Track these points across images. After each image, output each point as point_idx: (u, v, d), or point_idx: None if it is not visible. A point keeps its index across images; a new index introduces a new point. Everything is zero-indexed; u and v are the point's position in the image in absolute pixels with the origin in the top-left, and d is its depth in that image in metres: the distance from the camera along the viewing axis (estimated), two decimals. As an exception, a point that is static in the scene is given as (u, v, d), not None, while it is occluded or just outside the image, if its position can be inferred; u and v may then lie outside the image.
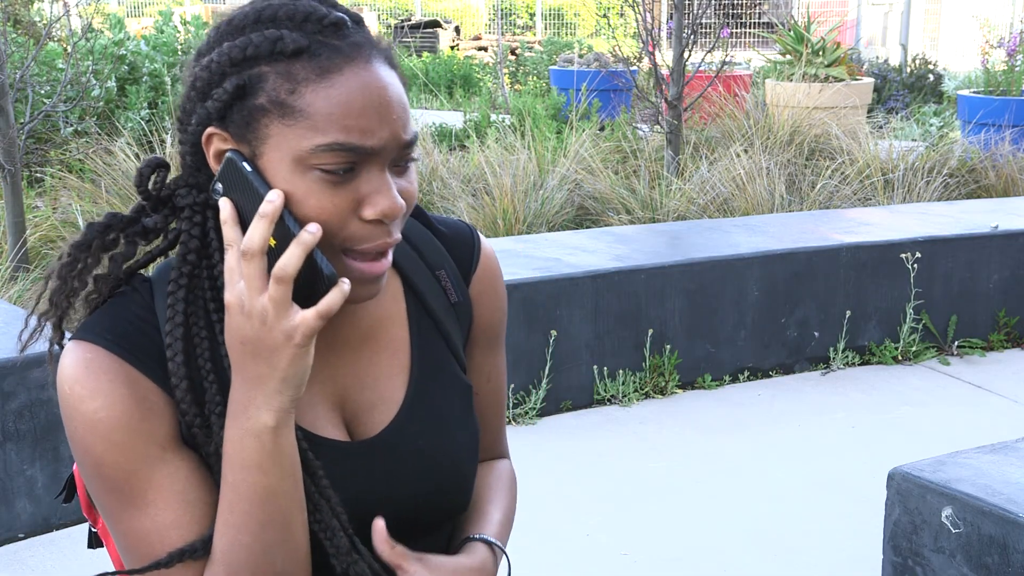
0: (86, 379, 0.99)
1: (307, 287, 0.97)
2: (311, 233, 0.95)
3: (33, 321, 1.05)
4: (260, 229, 0.95)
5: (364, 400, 1.11)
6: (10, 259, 4.51)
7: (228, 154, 0.98)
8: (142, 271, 1.08)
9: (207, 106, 0.98)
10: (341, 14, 1.00)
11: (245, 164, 0.98)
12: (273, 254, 0.96)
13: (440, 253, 1.19)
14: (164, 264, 1.07)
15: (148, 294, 1.05)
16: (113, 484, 1.00)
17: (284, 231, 0.96)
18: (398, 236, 1.02)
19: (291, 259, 0.94)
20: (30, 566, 2.80)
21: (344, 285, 0.96)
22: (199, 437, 1.01)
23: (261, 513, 0.98)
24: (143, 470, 0.99)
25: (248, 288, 0.95)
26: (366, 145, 0.96)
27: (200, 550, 0.99)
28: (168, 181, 1.03)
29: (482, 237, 1.25)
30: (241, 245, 0.95)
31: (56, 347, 1.06)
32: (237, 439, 0.97)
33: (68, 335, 1.05)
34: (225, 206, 0.98)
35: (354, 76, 0.97)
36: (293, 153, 0.96)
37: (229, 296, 0.96)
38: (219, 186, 0.99)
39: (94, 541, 1.22)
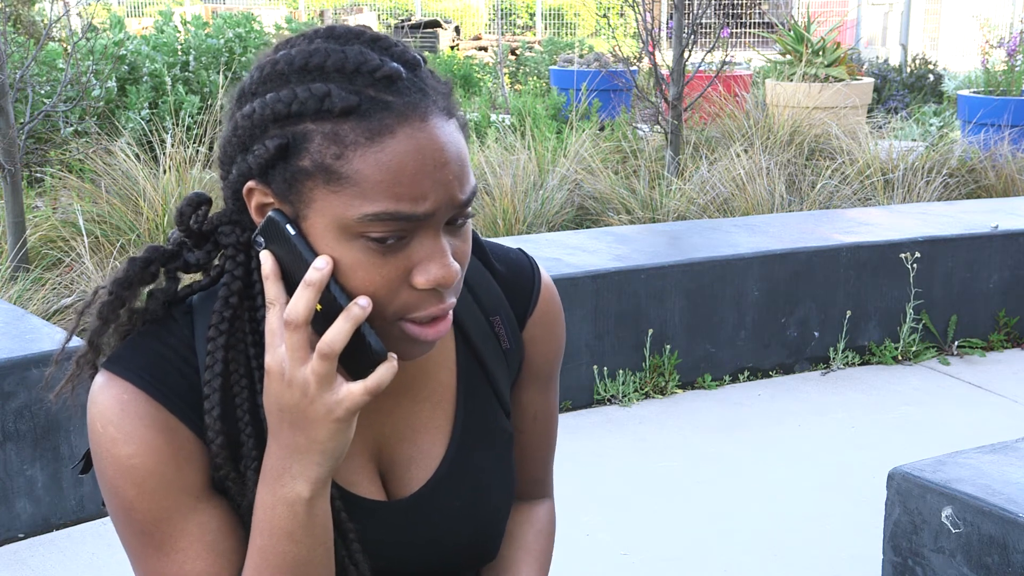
0: (120, 422, 0.94)
1: (354, 356, 0.91)
2: (361, 307, 0.89)
3: (72, 366, 0.99)
4: (305, 298, 0.89)
5: (402, 453, 1.07)
6: (10, 259, 4.50)
7: (271, 213, 0.92)
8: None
9: (248, 160, 0.92)
10: (395, 65, 0.91)
11: (289, 227, 0.91)
12: (319, 319, 0.90)
13: (497, 297, 1.12)
14: (207, 295, 1.01)
15: (189, 328, 0.99)
16: (142, 528, 0.96)
17: (331, 297, 0.90)
18: (453, 301, 0.95)
19: (338, 335, 0.88)
20: (30, 566, 2.80)
21: (393, 360, 0.91)
22: (232, 491, 0.98)
23: None
24: (175, 518, 0.96)
25: (290, 358, 0.89)
26: (418, 212, 0.89)
27: None
28: (211, 216, 0.98)
29: (543, 274, 1.17)
30: (284, 313, 0.90)
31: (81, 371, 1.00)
32: (269, 505, 0.93)
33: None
34: (267, 260, 0.92)
35: (407, 138, 0.88)
36: (339, 221, 0.89)
37: (270, 360, 0.91)
38: (261, 239, 0.93)
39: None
